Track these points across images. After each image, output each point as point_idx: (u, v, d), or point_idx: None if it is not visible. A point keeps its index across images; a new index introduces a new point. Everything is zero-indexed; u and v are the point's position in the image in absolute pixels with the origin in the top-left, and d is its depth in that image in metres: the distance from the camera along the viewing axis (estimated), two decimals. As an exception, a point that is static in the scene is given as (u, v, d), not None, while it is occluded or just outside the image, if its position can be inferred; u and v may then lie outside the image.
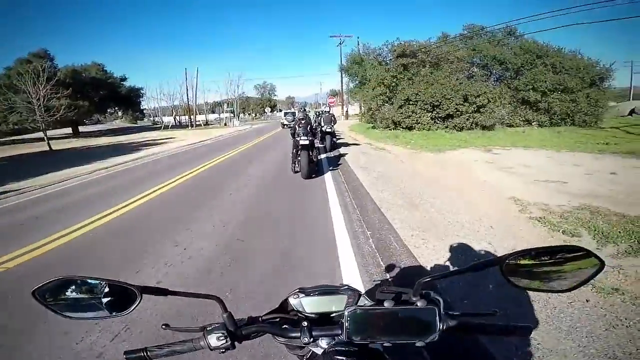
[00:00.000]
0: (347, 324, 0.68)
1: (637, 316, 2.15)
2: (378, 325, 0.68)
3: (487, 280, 2.70)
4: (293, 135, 7.98)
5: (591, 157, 8.41)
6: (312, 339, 0.74)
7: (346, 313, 0.68)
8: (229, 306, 0.78)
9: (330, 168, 8.63)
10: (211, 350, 0.75)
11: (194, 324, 0.80)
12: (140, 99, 50.22)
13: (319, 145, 11.03)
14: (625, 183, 5.57)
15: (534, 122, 18.07)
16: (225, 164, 10.86)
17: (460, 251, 3.42)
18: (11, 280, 3.38)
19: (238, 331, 0.76)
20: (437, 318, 0.67)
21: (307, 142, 7.36)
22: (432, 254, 3.38)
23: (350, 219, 4.69)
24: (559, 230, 3.71)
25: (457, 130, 16.48)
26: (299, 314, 0.84)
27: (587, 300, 2.37)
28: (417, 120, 17.21)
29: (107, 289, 0.70)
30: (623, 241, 3.28)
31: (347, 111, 42.44)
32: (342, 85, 39.18)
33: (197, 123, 47.71)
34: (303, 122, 7.83)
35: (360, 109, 32.90)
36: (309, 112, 13.82)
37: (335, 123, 12.27)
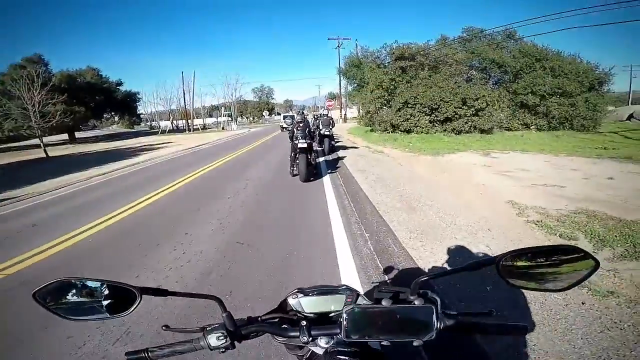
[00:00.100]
0: (345, 323, 0.68)
1: (631, 319, 2.17)
2: (376, 323, 0.68)
3: (484, 285, 2.71)
4: (291, 138, 7.97)
5: (589, 161, 8.42)
6: (311, 338, 0.74)
7: (344, 312, 0.69)
8: (229, 308, 0.79)
9: (329, 171, 8.64)
10: (211, 350, 0.75)
11: (195, 326, 0.80)
12: (137, 103, 50.23)
13: (318, 149, 11.06)
14: (623, 188, 5.58)
15: (533, 126, 18.11)
16: (223, 168, 10.87)
17: (457, 253, 3.43)
18: (11, 287, 3.36)
19: (237, 331, 0.77)
20: (435, 317, 0.67)
21: (305, 145, 7.36)
22: (430, 256, 3.40)
23: (349, 222, 4.70)
24: (556, 234, 3.72)
25: (455, 133, 16.51)
26: (298, 314, 0.85)
27: (582, 303, 2.38)
28: (415, 124, 17.23)
29: (107, 291, 0.70)
30: (619, 245, 3.29)
31: (345, 114, 42.48)
32: (340, 88, 39.27)
33: (195, 127, 47.73)
34: (301, 125, 7.81)
35: (359, 112, 32.92)
36: (307, 115, 13.85)
37: (333, 126, 12.29)
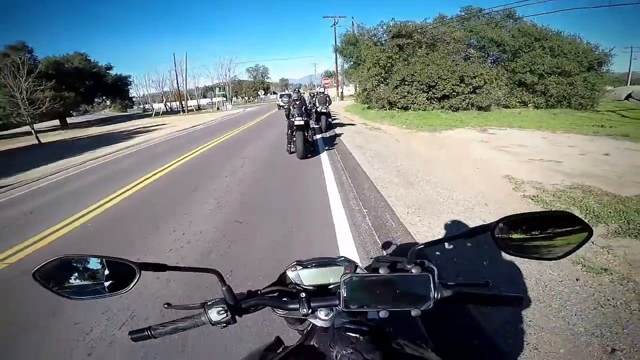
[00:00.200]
0: (343, 293, 0.68)
1: (624, 297, 2.18)
2: (374, 292, 0.68)
3: (481, 260, 2.75)
4: (288, 116, 7.92)
5: (586, 138, 8.43)
6: (310, 310, 0.74)
7: (342, 281, 0.68)
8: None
9: (326, 148, 8.60)
10: (212, 325, 0.75)
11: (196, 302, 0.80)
12: (129, 87, 49.41)
13: (314, 126, 10.98)
14: (619, 164, 5.60)
15: (530, 104, 18.05)
16: (219, 148, 10.79)
17: (454, 228, 3.46)
18: (14, 276, 3.33)
19: (238, 305, 0.77)
20: (432, 286, 0.67)
21: (302, 123, 7.32)
22: (427, 231, 3.43)
23: (347, 197, 4.70)
24: (551, 209, 3.75)
25: (453, 110, 16.47)
26: (297, 287, 0.85)
27: (577, 279, 2.40)
28: (412, 101, 17.16)
29: (106, 268, 0.70)
30: (613, 221, 3.30)
31: (342, 92, 42.05)
32: (336, 66, 38.64)
33: (189, 108, 47.12)
34: (297, 103, 7.75)
35: (356, 89, 32.56)
36: (304, 93, 13.67)
37: (330, 104, 12.18)
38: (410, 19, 19.85)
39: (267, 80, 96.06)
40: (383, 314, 0.68)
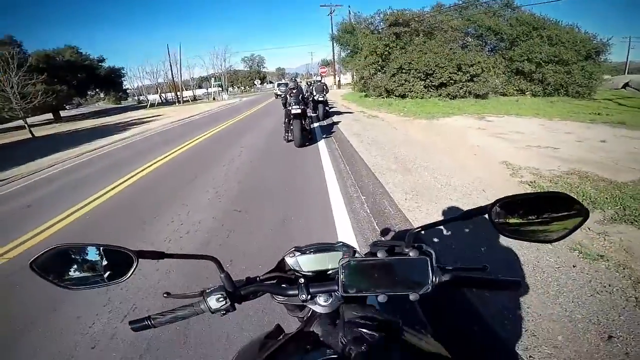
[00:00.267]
0: (342, 277, 0.67)
1: (620, 283, 2.19)
2: (372, 276, 0.68)
3: (479, 246, 2.77)
4: (284, 105, 7.88)
5: (583, 125, 8.44)
6: (309, 296, 0.74)
7: (340, 265, 0.67)
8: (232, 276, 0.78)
9: (324, 136, 8.58)
10: (212, 313, 0.74)
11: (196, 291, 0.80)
12: (122, 79, 48.77)
13: (312, 114, 10.93)
14: (615, 150, 5.62)
15: (528, 92, 18.01)
16: (216, 137, 10.74)
17: (452, 213, 3.44)
18: (14, 271, 3.28)
19: (236, 292, 0.77)
20: (430, 269, 0.67)
21: (299, 111, 7.29)
22: (425, 217, 3.44)
23: (345, 185, 4.71)
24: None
25: (450, 98, 16.42)
26: (296, 273, 0.85)
27: (573, 266, 2.41)
28: (410, 89, 17.11)
29: (104, 256, 0.69)
30: (609, 207, 3.31)
31: (339, 80, 41.84)
32: (333, 55, 38.34)
33: (185, 99, 46.74)
34: (294, 91, 7.72)
35: (353, 78, 32.37)
36: (301, 82, 13.59)
37: (327, 92, 12.12)
38: (407, 7, 19.68)
39: (264, 70, 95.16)
40: (382, 298, 0.67)
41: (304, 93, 9.14)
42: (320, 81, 12.61)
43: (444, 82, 16.57)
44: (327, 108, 12.77)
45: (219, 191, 4.93)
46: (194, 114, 22.13)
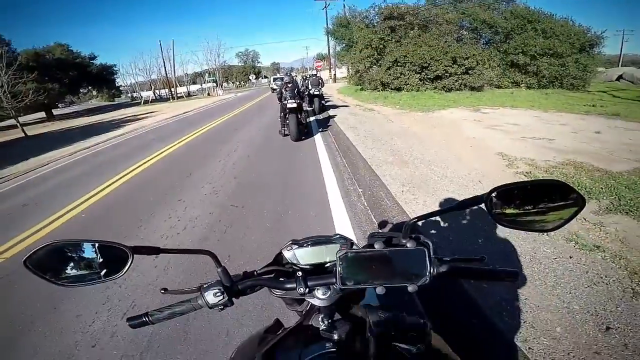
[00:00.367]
0: (339, 269, 0.67)
1: (616, 274, 2.19)
2: (370, 268, 0.67)
3: (476, 237, 2.78)
4: (280, 99, 7.85)
5: (577, 117, 8.47)
6: (307, 289, 0.73)
7: (338, 257, 0.67)
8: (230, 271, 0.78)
9: (320, 130, 8.57)
10: (210, 308, 0.74)
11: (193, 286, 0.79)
12: (115, 76, 47.91)
13: (308, 108, 10.90)
14: (609, 141, 5.65)
15: (523, 84, 18.06)
16: (212, 132, 10.70)
17: (449, 205, 3.47)
18: (13, 270, 3.24)
19: (234, 286, 0.76)
20: (427, 260, 0.66)
21: (294, 105, 7.28)
22: (422, 209, 3.44)
23: (342, 178, 4.71)
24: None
25: (445, 91, 16.45)
26: (294, 266, 0.84)
27: (570, 257, 2.41)
28: (405, 82, 17.11)
29: (99, 252, 0.68)
30: (605, 197, 3.32)
31: (334, 74, 41.74)
32: (329, 49, 38.19)
33: (179, 95, 46.41)
34: (290, 85, 7.68)
35: (348, 71, 32.29)
36: (296, 76, 13.54)
37: (322, 86, 12.08)
38: (402, 0, 19.63)
39: (258, 65, 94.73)
40: (380, 290, 0.67)
41: (300, 87, 9.11)
42: (315, 75, 12.57)
43: (440, 75, 16.57)
44: (323, 102, 12.75)
45: (216, 187, 4.91)
46: (188, 110, 21.97)
